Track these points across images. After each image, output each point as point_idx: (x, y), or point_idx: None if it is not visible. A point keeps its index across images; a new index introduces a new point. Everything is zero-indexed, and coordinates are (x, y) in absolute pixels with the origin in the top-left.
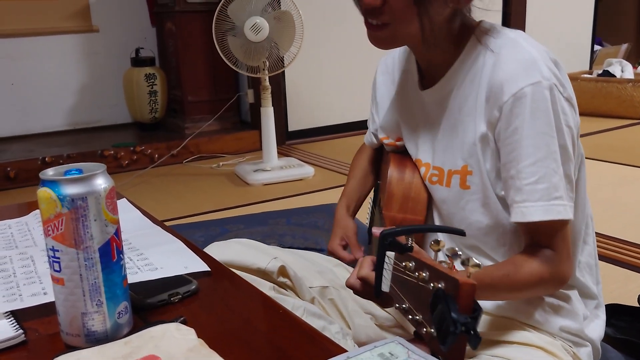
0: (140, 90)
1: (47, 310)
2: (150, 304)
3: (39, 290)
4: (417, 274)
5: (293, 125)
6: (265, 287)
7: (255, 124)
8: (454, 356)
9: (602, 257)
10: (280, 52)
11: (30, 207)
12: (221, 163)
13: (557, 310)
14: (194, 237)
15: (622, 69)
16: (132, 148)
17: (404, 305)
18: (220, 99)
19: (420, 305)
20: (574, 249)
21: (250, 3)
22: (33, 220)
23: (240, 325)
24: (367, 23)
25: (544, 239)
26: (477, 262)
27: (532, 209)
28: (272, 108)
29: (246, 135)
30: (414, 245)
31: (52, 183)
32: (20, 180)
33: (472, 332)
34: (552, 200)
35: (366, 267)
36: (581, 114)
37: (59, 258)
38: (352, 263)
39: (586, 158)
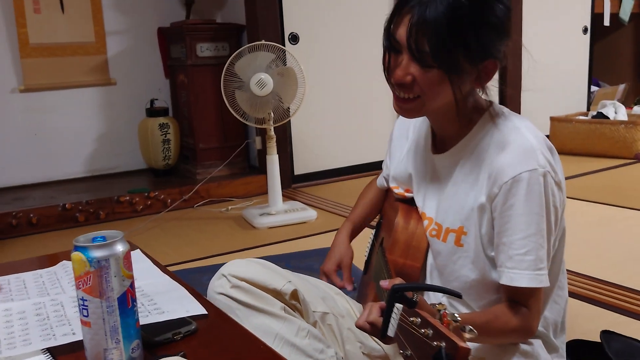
0: (154, 139)
1: (75, 347)
2: (157, 342)
3: (69, 331)
4: (422, 330)
5: (299, 169)
6: (276, 306)
7: (263, 168)
8: None
9: (581, 297)
10: (284, 104)
11: (54, 258)
12: (230, 207)
13: (522, 353)
14: (202, 280)
15: (615, 111)
16: (146, 194)
17: (407, 352)
18: (230, 146)
19: (422, 355)
20: (542, 306)
21: (256, 60)
22: (61, 270)
23: (230, 358)
24: (395, 96)
25: (521, 299)
26: (474, 330)
27: (519, 276)
28: (277, 155)
29: (254, 180)
30: (419, 298)
31: (83, 248)
32: (41, 226)
33: None
34: (537, 271)
35: (375, 313)
36: (576, 155)
37: (87, 306)
38: (341, 289)
39: (577, 199)
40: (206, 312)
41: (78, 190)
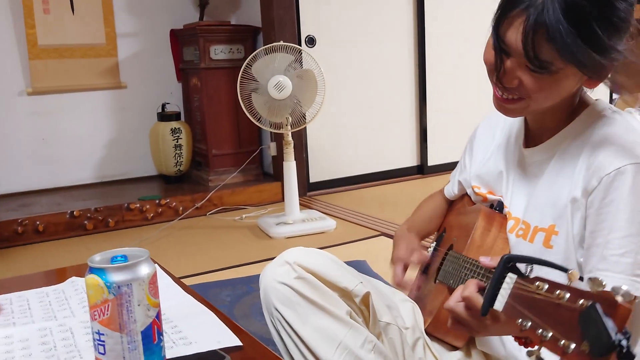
0: (165, 144)
1: None
2: None
3: None
4: (557, 292)
5: (314, 177)
6: (342, 308)
7: (278, 175)
8: None
9: None
10: (302, 108)
11: (61, 273)
12: (244, 215)
13: None
14: (221, 296)
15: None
16: (157, 201)
17: (527, 322)
18: (244, 152)
19: (552, 320)
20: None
21: (274, 62)
22: (70, 288)
23: None
24: (497, 95)
25: None
26: (631, 293)
27: (612, 280)
28: (295, 162)
29: (268, 187)
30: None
31: (99, 271)
32: (48, 234)
33: (625, 349)
34: (633, 277)
35: (471, 287)
36: None
37: (104, 341)
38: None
39: None
40: (240, 344)
41: (86, 196)
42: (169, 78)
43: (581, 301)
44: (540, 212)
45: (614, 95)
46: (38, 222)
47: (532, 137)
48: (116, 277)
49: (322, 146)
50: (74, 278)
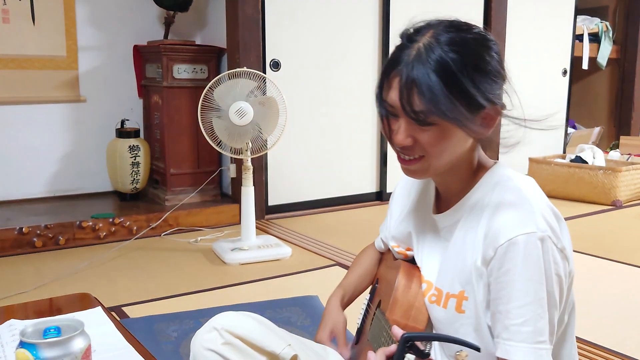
0: (122, 162)
1: None
2: None
3: None
4: None
5: (273, 200)
6: None
7: (236, 197)
8: None
9: None
10: (263, 135)
11: (4, 314)
12: (199, 238)
13: None
14: (167, 331)
15: (593, 155)
16: (111, 219)
17: None
18: (202, 172)
19: None
20: None
21: (236, 88)
22: (7, 332)
23: None
24: (400, 158)
25: None
26: None
27: (515, 349)
28: (253, 187)
29: (226, 209)
30: (431, 352)
31: (30, 346)
32: None
33: None
34: (535, 344)
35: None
36: (555, 198)
37: None
38: None
39: None
40: None
41: (38, 211)
42: (130, 94)
43: None
44: (450, 278)
45: (569, 130)
46: None
47: (442, 202)
48: (48, 353)
49: (283, 169)
50: (12, 321)
